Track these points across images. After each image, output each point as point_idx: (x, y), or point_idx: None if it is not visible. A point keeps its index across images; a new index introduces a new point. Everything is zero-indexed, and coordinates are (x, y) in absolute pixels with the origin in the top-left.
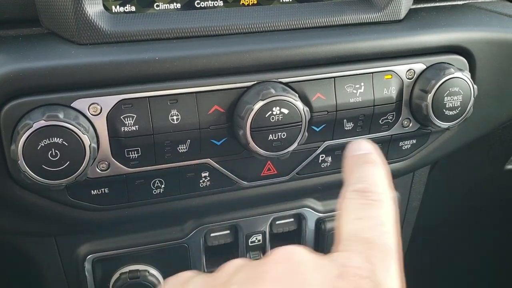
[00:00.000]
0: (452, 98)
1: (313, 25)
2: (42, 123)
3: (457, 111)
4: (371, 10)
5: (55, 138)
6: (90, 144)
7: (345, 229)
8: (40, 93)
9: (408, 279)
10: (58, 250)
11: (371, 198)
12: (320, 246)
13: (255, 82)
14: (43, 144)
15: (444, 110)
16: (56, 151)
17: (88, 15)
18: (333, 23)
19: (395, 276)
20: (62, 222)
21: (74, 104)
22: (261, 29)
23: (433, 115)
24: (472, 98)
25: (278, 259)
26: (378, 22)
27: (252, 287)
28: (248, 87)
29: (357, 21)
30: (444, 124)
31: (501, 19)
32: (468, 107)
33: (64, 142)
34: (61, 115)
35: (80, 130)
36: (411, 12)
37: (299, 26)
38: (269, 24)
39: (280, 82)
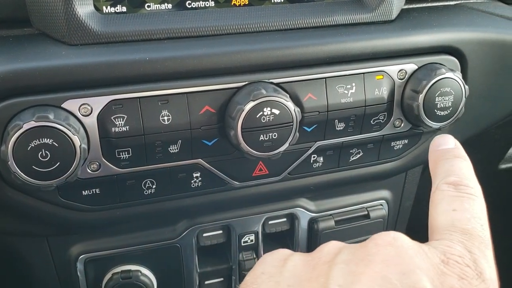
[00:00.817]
0: (443, 98)
1: (304, 25)
2: (32, 123)
3: (449, 111)
4: (363, 10)
5: (45, 139)
6: (81, 145)
7: (441, 219)
8: (30, 93)
9: None
10: (50, 251)
11: (464, 191)
12: (313, 246)
13: (246, 82)
14: (33, 145)
15: (435, 110)
16: (46, 151)
17: (79, 15)
18: (324, 23)
19: (493, 266)
20: (53, 223)
21: (65, 105)
22: (253, 29)
23: (424, 115)
24: (464, 98)
25: (382, 243)
26: (369, 22)
27: (361, 268)
28: (239, 88)
29: (348, 22)
30: (435, 124)
31: (493, 20)
32: (460, 107)
33: (54, 142)
34: (51, 116)
35: (70, 131)
36: (402, 12)
37: (290, 26)
38: (261, 25)
39: (271, 83)
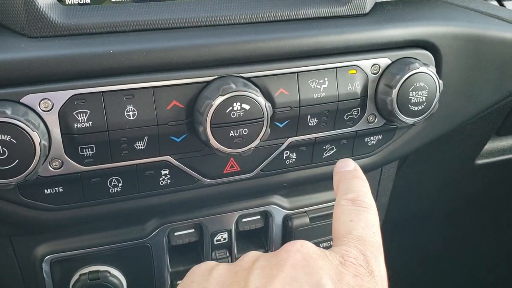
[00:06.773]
0: (417, 93)
1: (276, 18)
2: None
3: (423, 107)
4: (336, 3)
5: (3, 135)
6: (41, 142)
7: (341, 229)
8: None
9: None
10: (14, 251)
11: (360, 205)
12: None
13: (216, 76)
14: None
15: (409, 106)
16: (4, 149)
17: (40, 6)
18: (296, 16)
19: (383, 265)
20: (15, 223)
21: (24, 100)
22: (222, 22)
23: (398, 110)
24: (438, 93)
25: (291, 249)
26: (343, 16)
27: (274, 271)
28: (208, 82)
29: (321, 15)
30: (409, 120)
31: (467, 14)
32: (434, 102)
33: (12, 139)
34: (8, 111)
35: (29, 127)
36: (376, 5)
37: (261, 19)
38: (230, 17)
39: (242, 77)
